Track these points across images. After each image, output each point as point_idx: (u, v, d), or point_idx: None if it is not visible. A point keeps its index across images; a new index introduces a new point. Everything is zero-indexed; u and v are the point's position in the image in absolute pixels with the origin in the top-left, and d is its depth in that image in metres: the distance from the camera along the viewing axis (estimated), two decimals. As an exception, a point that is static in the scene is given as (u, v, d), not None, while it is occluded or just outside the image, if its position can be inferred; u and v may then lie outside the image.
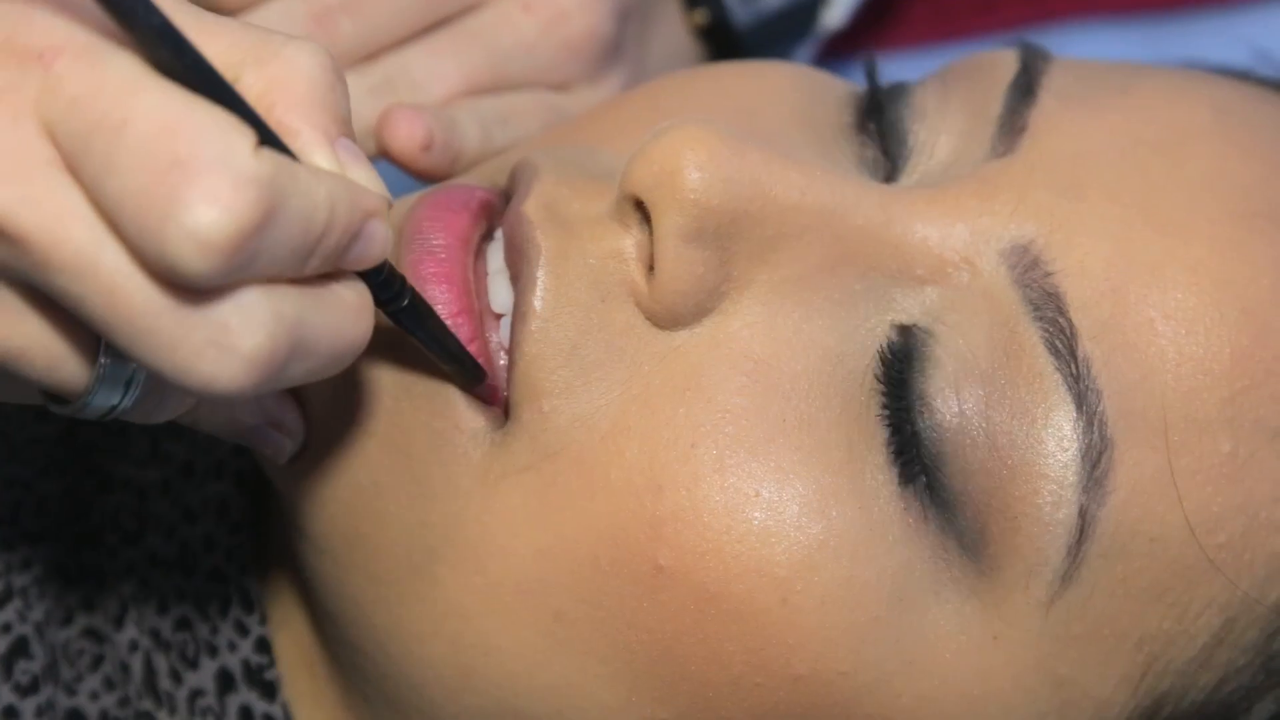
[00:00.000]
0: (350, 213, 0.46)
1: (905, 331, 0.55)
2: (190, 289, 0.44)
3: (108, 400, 0.49)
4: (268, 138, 0.45)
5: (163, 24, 0.43)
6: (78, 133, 0.44)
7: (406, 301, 0.51)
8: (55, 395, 0.49)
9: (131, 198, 0.43)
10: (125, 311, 0.44)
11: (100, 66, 0.44)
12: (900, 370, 0.54)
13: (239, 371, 0.45)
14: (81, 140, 0.44)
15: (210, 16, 0.47)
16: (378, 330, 0.55)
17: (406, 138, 0.65)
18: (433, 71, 0.68)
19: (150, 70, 0.44)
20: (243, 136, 0.44)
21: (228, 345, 0.45)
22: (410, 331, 0.53)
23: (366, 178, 0.48)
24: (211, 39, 0.46)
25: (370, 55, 0.68)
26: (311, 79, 0.47)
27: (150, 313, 0.44)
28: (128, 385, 0.49)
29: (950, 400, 0.53)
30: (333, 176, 0.46)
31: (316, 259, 0.46)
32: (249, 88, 0.47)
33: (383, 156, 0.66)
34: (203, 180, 0.43)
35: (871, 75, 0.61)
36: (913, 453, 0.53)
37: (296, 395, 0.56)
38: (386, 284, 0.50)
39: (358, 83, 0.68)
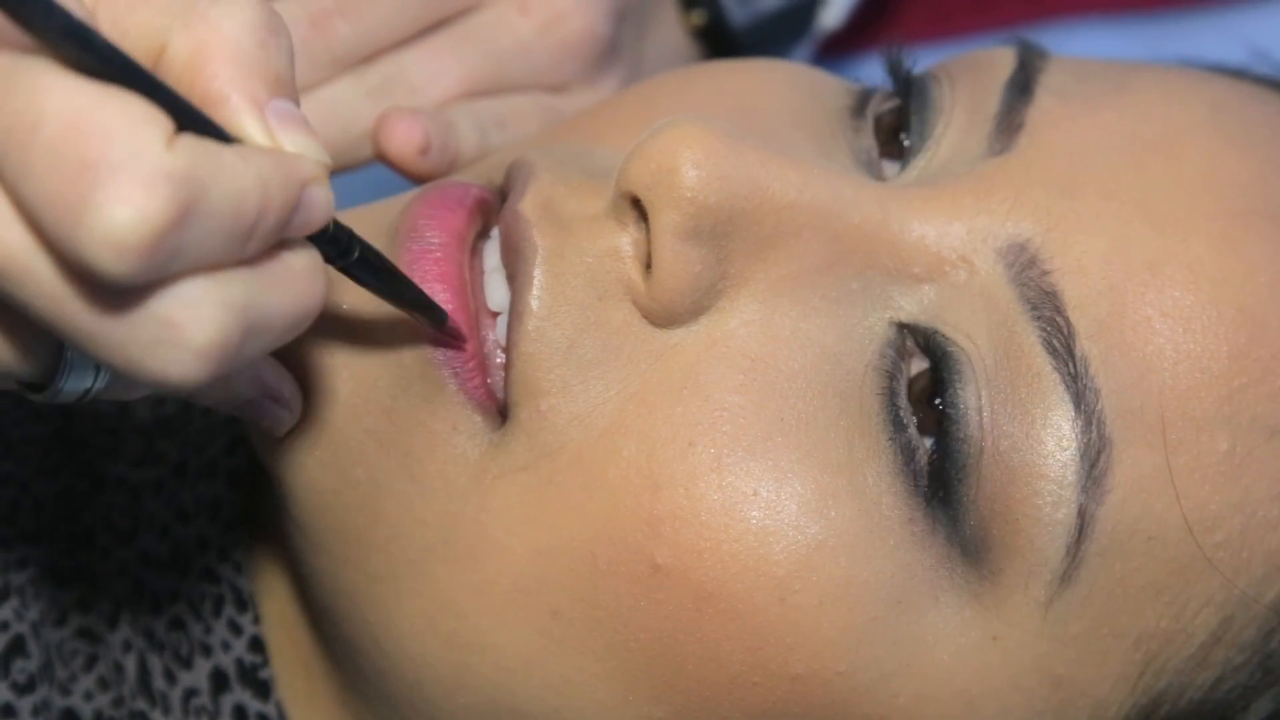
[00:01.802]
0: (285, 188, 0.45)
1: (903, 330, 0.55)
2: (121, 290, 0.43)
3: (80, 384, 0.49)
4: (193, 119, 0.44)
5: (65, 22, 0.42)
6: None
7: (357, 254, 0.50)
8: (30, 382, 0.49)
9: (46, 203, 0.42)
10: (68, 315, 0.44)
11: (10, 71, 0.43)
12: (900, 372, 0.54)
13: (192, 364, 0.44)
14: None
15: None
16: (373, 329, 0.55)
17: (403, 142, 0.65)
18: (431, 74, 0.68)
19: (62, 69, 0.43)
20: (154, 129, 0.43)
21: (176, 340, 0.44)
22: (365, 284, 0.52)
23: (302, 142, 0.46)
24: (138, 5, 0.46)
25: (367, 57, 0.68)
26: (238, 40, 0.46)
27: (92, 315, 0.44)
28: (97, 368, 0.48)
29: (952, 402, 0.53)
30: (263, 153, 0.45)
31: (256, 241, 0.45)
32: (175, 54, 0.46)
33: (380, 160, 0.66)
34: (111, 181, 0.42)
35: (895, 65, 0.61)
36: (919, 462, 0.53)
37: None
38: (334, 240, 0.49)
39: (355, 86, 0.67)
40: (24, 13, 0.42)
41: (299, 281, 0.47)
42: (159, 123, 0.43)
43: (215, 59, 0.45)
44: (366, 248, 0.51)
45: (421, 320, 0.54)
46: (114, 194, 0.42)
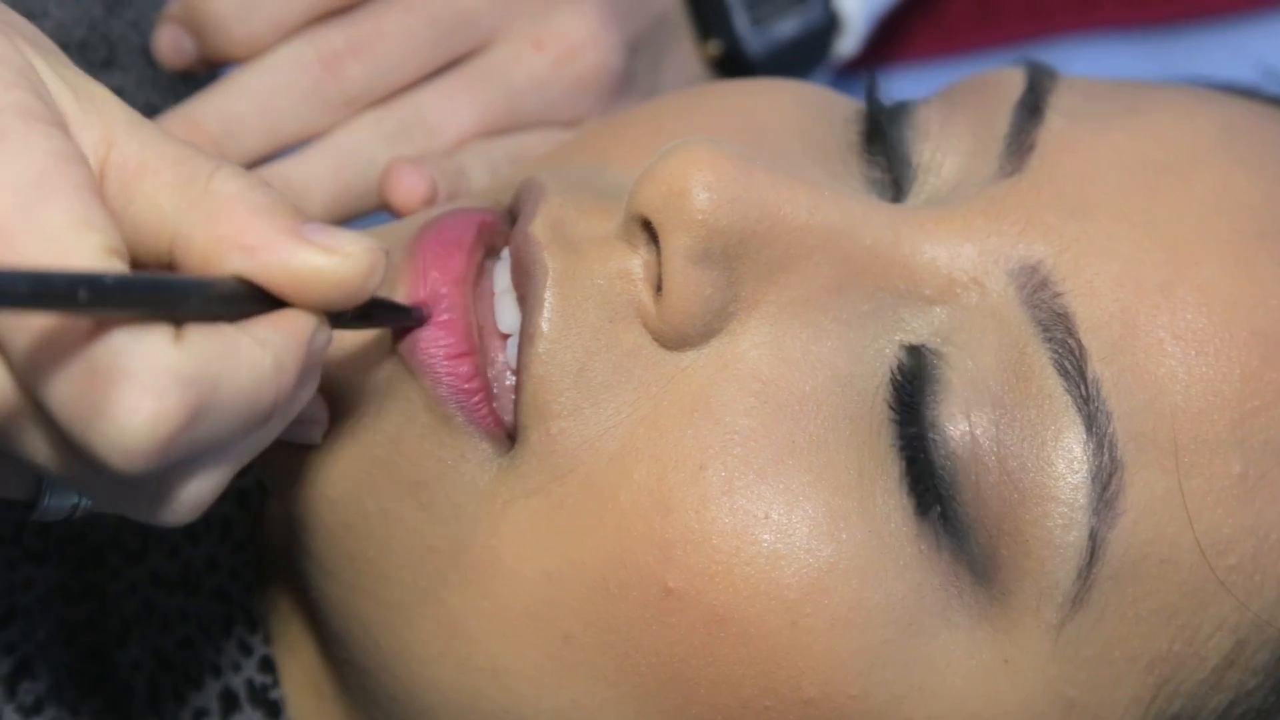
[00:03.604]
0: (299, 361, 0.46)
1: (914, 353, 0.55)
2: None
3: (65, 501, 0.50)
4: (206, 308, 0.44)
5: (90, 294, 0.41)
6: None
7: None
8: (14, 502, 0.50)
9: (58, 405, 0.43)
10: (64, 474, 0.45)
11: None
12: (911, 394, 0.54)
13: (187, 516, 0.46)
14: (6, 339, 0.43)
15: (150, 144, 0.46)
16: (375, 362, 0.55)
17: (407, 193, 0.65)
18: (447, 114, 0.68)
19: None
20: (159, 332, 0.43)
21: (172, 504, 0.46)
22: (357, 328, 0.52)
23: (354, 245, 0.47)
24: (146, 174, 0.46)
25: (382, 98, 0.68)
26: (249, 195, 0.46)
27: (86, 480, 0.45)
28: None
29: (961, 424, 0.53)
30: (277, 332, 0.45)
31: (275, 421, 0.47)
32: (191, 232, 0.46)
33: (385, 210, 0.66)
34: (121, 388, 0.42)
35: (871, 95, 0.61)
36: (927, 481, 0.53)
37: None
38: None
39: (373, 131, 0.68)
40: (41, 305, 0.41)
41: (297, 408, 0.49)
42: (163, 327, 0.43)
43: (237, 214, 0.46)
44: None
45: (408, 329, 0.54)
46: (124, 403, 0.42)
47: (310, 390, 0.49)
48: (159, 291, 0.43)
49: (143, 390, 0.42)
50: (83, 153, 0.45)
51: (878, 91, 0.61)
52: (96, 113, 0.47)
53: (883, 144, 0.59)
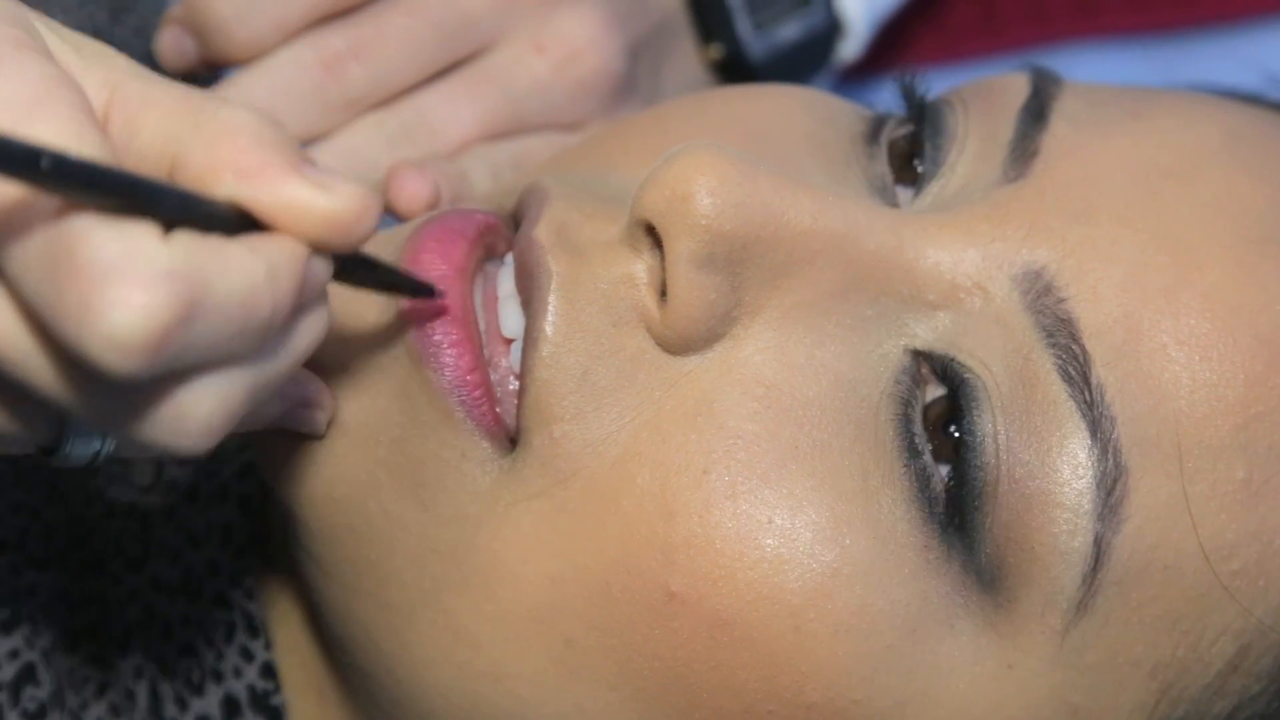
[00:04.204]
0: (293, 275, 0.45)
1: (918, 357, 0.55)
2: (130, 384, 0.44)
3: (88, 448, 0.49)
4: (197, 216, 0.44)
5: (53, 163, 0.41)
6: None
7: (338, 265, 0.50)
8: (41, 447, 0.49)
9: (46, 305, 0.42)
10: (73, 398, 0.44)
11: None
12: (915, 399, 0.54)
13: (199, 438, 0.45)
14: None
15: (154, 84, 0.47)
16: (378, 359, 0.55)
17: (411, 197, 0.65)
18: (449, 117, 0.68)
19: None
20: (145, 228, 0.43)
21: (181, 420, 0.45)
22: (358, 286, 0.52)
23: (348, 189, 0.46)
24: (150, 105, 0.46)
25: (383, 101, 0.68)
26: (255, 124, 0.46)
27: (95, 403, 0.44)
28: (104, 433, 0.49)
29: (969, 429, 0.53)
30: (271, 242, 0.45)
31: (272, 338, 0.46)
32: (192, 152, 0.46)
33: (388, 214, 0.66)
34: (110, 284, 0.42)
35: (909, 91, 0.60)
36: (935, 489, 0.53)
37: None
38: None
39: (375, 133, 0.68)
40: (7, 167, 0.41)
41: (303, 339, 0.48)
42: (148, 224, 0.43)
43: (238, 141, 0.45)
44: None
45: (413, 301, 0.54)
46: (113, 296, 0.42)
47: (314, 328, 0.48)
48: (139, 184, 0.43)
49: (131, 284, 0.42)
50: (77, 82, 0.45)
51: (918, 88, 0.61)
52: (98, 61, 0.46)
53: (920, 136, 0.59)
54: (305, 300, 0.47)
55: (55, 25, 0.47)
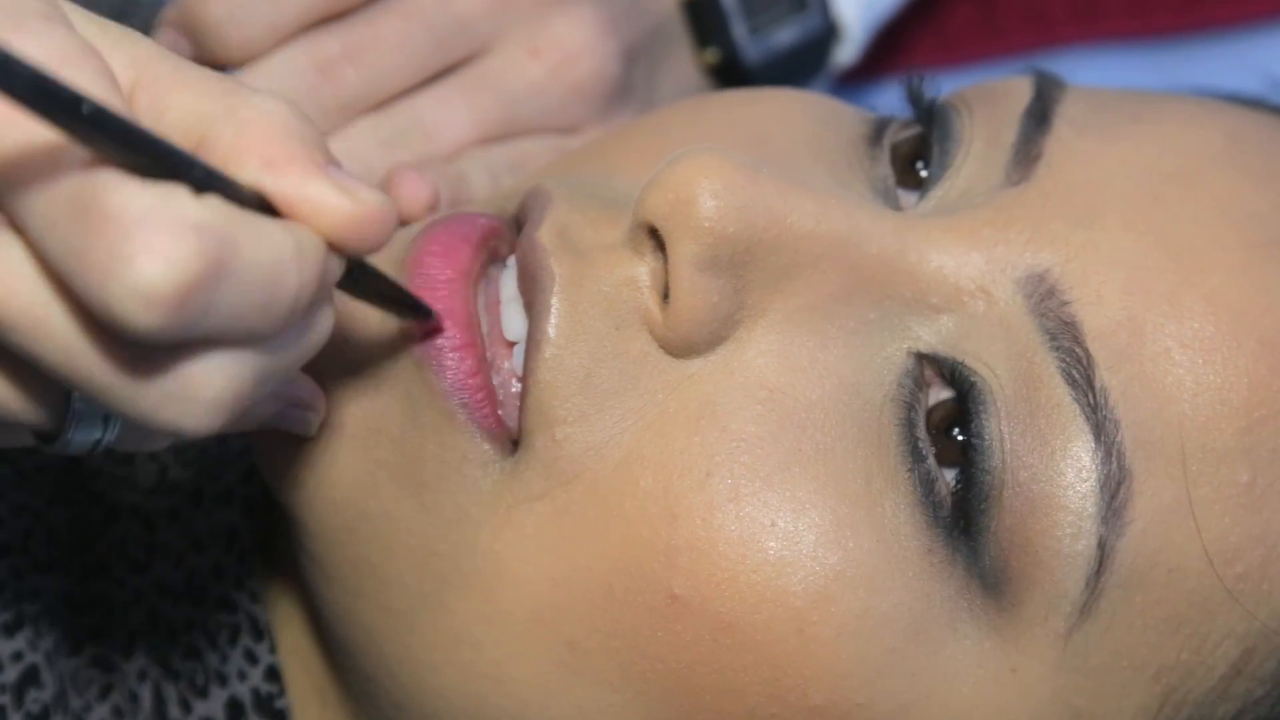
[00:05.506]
0: (318, 264, 0.45)
1: (921, 361, 0.55)
2: (146, 346, 0.43)
3: (89, 436, 0.49)
4: (234, 193, 0.44)
5: (94, 111, 0.41)
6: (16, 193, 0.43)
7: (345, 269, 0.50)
8: (41, 434, 0.49)
9: (73, 256, 0.42)
10: (82, 369, 0.44)
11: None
12: (918, 402, 0.54)
13: (206, 417, 0.45)
14: (20, 200, 0.43)
15: (184, 66, 0.47)
16: (379, 361, 0.55)
17: (410, 199, 0.65)
18: (444, 121, 0.68)
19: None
20: (176, 187, 0.43)
21: (189, 396, 0.45)
22: (360, 296, 0.52)
23: (371, 195, 0.47)
24: (177, 87, 0.46)
25: (378, 104, 0.68)
26: (286, 118, 0.46)
27: (107, 370, 0.44)
28: (106, 420, 0.48)
29: (977, 433, 0.53)
30: (301, 227, 0.45)
31: (294, 322, 0.46)
32: (220, 135, 0.46)
33: None
34: (140, 233, 0.42)
35: (916, 94, 0.60)
36: (939, 493, 0.53)
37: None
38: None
39: (370, 136, 0.68)
40: (49, 106, 0.41)
41: (314, 333, 0.48)
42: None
43: (271, 130, 0.45)
44: (354, 261, 0.50)
45: (409, 321, 0.54)
46: (143, 245, 0.42)
47: (324, 325, 0.48)
48: (173, 149, 0.43)
49: (163, 232, 0.42)
50: (100, 53, 0.45)
51: (924, 89, 0.61)
52: (126, 41, 0.46)
53: (930, 137, 0.59)
54: (322, 294, 0.47)
55: (81, 9, 0.47)
